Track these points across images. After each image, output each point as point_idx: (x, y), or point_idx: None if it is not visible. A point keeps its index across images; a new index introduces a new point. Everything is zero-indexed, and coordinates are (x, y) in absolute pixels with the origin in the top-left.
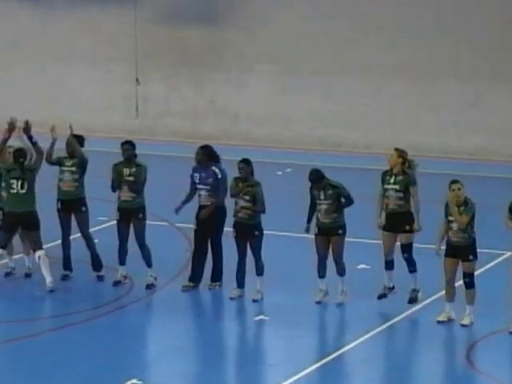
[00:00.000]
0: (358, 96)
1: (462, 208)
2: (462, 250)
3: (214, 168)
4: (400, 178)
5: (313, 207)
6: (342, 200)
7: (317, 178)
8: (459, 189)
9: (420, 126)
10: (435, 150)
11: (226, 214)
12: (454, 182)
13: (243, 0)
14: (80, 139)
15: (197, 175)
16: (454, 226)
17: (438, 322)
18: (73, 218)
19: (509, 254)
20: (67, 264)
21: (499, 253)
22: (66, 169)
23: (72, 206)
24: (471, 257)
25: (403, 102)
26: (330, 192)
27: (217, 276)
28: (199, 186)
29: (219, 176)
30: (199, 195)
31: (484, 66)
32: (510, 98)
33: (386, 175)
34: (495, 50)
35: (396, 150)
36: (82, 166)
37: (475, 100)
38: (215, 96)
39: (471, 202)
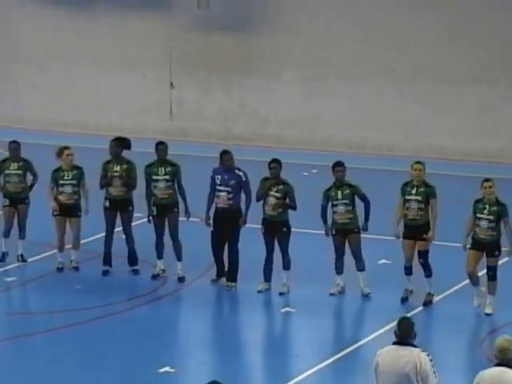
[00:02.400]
0: (382, 99)
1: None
2: (488, 246)
3: (237, 171)
4: (422, 189)
5: (325, 209)
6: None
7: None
8: (490, 187)
9: (441, 128)
10: (456, 153)
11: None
12: (487, 180)
13: (272, 9)
14: (126, 142)
15: (218, 177)
16: (483, 223)
17: (478, 305)
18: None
19: None
20: (107, 259)
21: None
22: (115, 174)
23: (120, 205)
24: (497, 252)
25: (425, 106)
26: (347, 191)
27: (233, 276)
28: (220, 188)
29: (243, 179)
30: (218, 196)
31: (505, 69)
32: None
33: (407, 187)
34: None
35: (418, 163)
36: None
37: (495, 103)
38: (245, 100)
39: (502, 202)
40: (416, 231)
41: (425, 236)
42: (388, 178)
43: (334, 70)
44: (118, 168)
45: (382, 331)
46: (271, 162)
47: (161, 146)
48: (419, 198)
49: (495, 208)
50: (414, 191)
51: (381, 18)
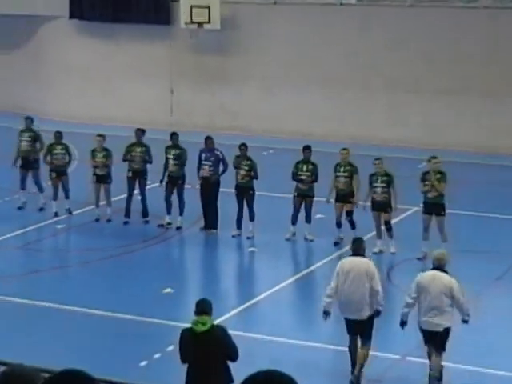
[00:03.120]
0: (320, 100)
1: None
2: (383, 205)
3: (216, 151)
4: (348, 168)
5: (294, 175)
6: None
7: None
8: (379, 163)
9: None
10: (369, 140)
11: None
12: (377, 159)
13: (243, 38)
14: (144, 131)
15: (203, 155)
16: (378, 190)
17: (374, 253)
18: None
19: (415, 208)
20: (128, 213)
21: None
22: (137, 154)
23: (139, 175)
24: (389, 209)
25: (352, 108)
26: (310, 167)
27: (214, 224)
28: (204, 162)
29: (220, 156)
30: (203, 168)
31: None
32: None
33: (338, 166)
34: None
35: (345, 149)
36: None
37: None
38: (223, 101)
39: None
40: (344, 197)
41: (350, 200)
42: (328, 158)
43: (283, 80)
44: (139, 149)
45: (320, 264)
46: (241, 145)
47: (174, 136)
48: (346, 174)
49: (385, 178)
50: (342, 169)
51: (319, 40)
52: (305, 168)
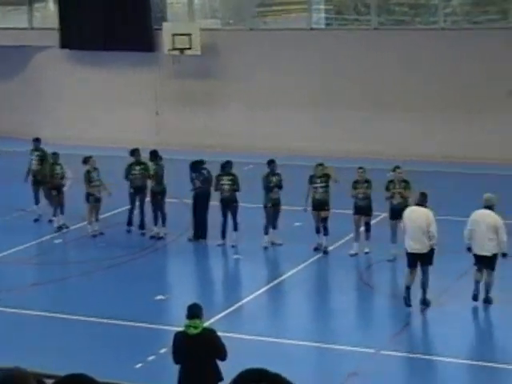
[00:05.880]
0: (292, 119)
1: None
2: (365, 209)
3: (203, 170)
4: (324, 179)
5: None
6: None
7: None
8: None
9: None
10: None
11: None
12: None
13: (221, 64)
14: (139, 151)
15: (193, 174)
16: (360, 196)
17: (351, 255)
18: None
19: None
20: (130, 222)
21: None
22: (136, 172)
23: (140, 191)
24: (370, 213)
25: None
26: (278, 178)
27: (204, 235)
28: (195, 180)
29: (206, 175)
30: (194, 184)
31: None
32: None
33: (314, 177)
34: None
35: (320, 164)
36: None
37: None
38: (206, 121)
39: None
40: (320, 206)
41: (326, 208)
42: (300, 171)
43: (261, 101)
44: (138, 167)
45: (300, 267)
46: (226, 163)
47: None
48: (323, 184)
49: (366, 184)
50: (319, 180)
51: (291, 63)
52: (275, 179)
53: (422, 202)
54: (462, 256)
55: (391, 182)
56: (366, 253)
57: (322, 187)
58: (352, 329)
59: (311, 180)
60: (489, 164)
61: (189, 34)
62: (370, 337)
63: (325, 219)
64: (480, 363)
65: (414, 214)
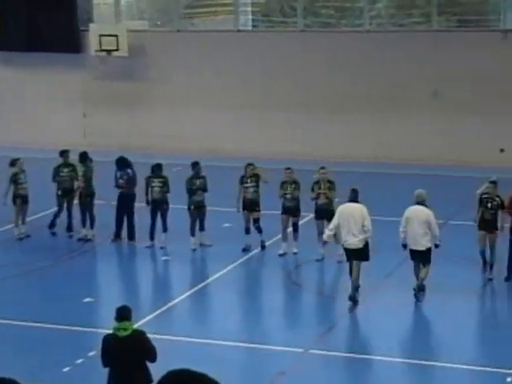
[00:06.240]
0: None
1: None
2: (293, 210)
3: (128, 169)
4: (253, 178)
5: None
6: None
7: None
8: (290, 172)
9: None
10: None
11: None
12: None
13: (147, 65)
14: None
15: (118, 173)
16: (288, 196)
17: (280, 254)
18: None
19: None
20: (53, 225)
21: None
22: (64, 174)
23: (68, 193)
24: (297, 213)
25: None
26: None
27: (132, 237)
28: (120, 179)
29: (131, 174)
30: (119, 183)
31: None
32: None
33: (243, 178)
34: None
35: (251, 164)
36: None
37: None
38: (134, 122)
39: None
40: (251, 206)
41: (257, 209)
42: (229, 173)
43: (186, 102)
44: (66, 169)
45: (229, 268)
46: (156, 165)
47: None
48: (253, 184)
49: (294, 185)
50: (249, 180)
51: (218, 65)
52: (198, 182)
53: (354, 198)
54: (391, 254)
55: (317, 182)
56: (295, 253)
57: (252, 187)
58: (280, 328)
59: (242, 180)
60: (416, 164)
61: (116, 36)
62: (298, 336)
63: (257, 220)
64: (411, 361)
65: (348, 210)
